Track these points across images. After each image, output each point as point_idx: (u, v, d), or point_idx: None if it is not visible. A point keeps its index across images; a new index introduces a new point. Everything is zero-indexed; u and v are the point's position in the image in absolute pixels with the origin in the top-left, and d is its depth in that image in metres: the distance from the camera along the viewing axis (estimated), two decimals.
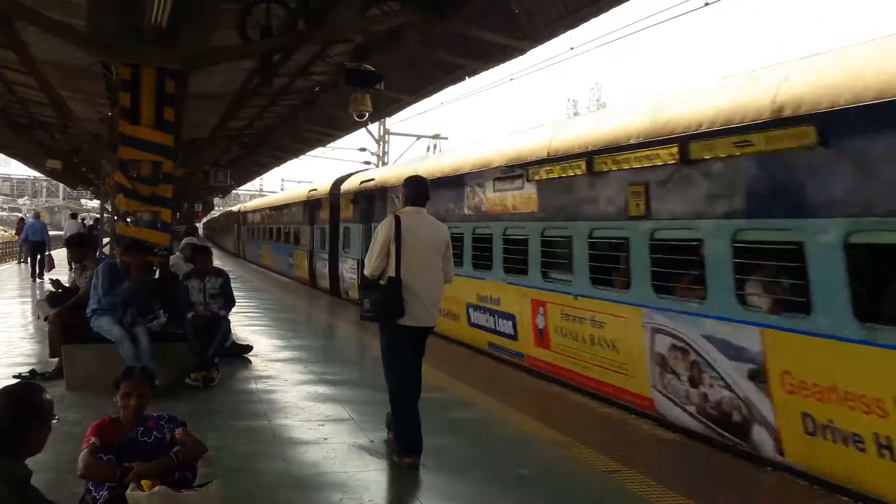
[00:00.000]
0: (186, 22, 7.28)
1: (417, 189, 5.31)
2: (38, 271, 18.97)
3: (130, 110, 7.57)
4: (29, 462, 2.64)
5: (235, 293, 8.50)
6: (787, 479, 4.81)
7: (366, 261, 5.22)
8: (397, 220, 5.08)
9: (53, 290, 8.82)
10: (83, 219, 31.92)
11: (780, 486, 4.71)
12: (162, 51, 7.40)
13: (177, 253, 10.03)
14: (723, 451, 5.49)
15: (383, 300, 5.01)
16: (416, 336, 5.16)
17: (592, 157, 7.52)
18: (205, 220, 60.86)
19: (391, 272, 5.00)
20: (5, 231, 53.56)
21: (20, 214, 49.09)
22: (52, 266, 16.40)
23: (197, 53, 7.71)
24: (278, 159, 26.20)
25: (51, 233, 21.20)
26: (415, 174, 5.61)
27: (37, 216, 24.68)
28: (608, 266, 7.56)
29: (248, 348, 8.97)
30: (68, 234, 14.22)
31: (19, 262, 26.40)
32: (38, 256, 19.04)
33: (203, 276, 8.07)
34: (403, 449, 5.00)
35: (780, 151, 5.38)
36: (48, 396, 2.74)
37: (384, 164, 32.68)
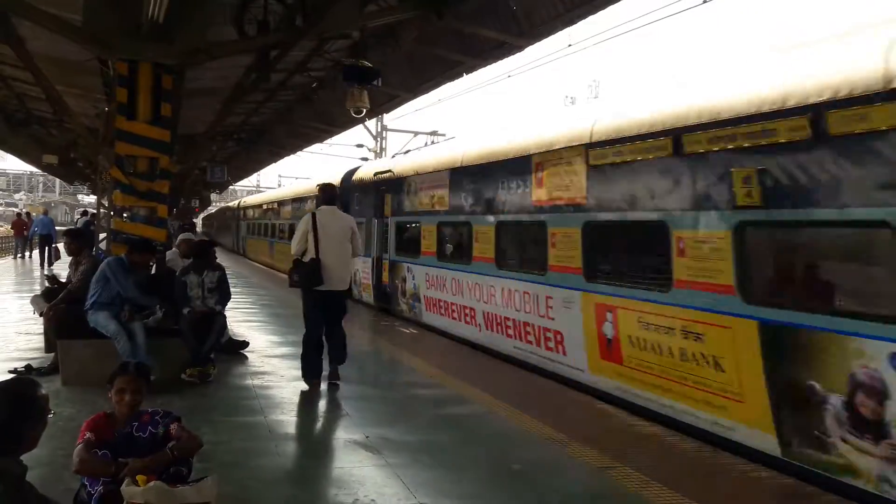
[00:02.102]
0: (183, 17, 7.26)
1: (328, 194, 7.44)
2: (46, 262, 21.25)
3: (127, 106, 7.55)
4: (24, 457, 2.64)
5: (231, 289, 8.49)
6: (782, 479, 4.83)
7: (292, 244, 7.27)
8: (314, 215, 7.10)
9: (49, 285, 8.81)
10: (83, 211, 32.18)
11: (774, 486, 4.73)
12: (159, 46, 7.39)
13: (173, 248, 10.01)
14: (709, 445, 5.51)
15: (308, 274, 6.91)
16: (328, 297, 7.01)
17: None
18: (202, 214, 62.13)
19: (312, 254, 6.90)
20: (1, 226, 53.39)
21: (17, 210, 48.95)
22: (57, 257, 19.27)
23: (194, 49, 7.69)
24: (275, 155, 26.18)
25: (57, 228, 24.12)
26: (327, 182, 7.97)
27: (45, 213, 29.24)
28: None
29: (245, 344, 8.97)
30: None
31: (15, 257, 26.37)
32: (46, 248, 21.86)
33: (201, 271, 8.06)
34: (308, 374, 6.99)
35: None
36: (43, 392, 2.73)
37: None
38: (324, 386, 7.09)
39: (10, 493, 2.43)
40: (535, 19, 8.71)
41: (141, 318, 6.99)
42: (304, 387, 7.11)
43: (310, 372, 7.02)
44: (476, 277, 9.63)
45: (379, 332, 11.07)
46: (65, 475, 3.85)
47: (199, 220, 60.41)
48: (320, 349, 7.08)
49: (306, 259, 6.97)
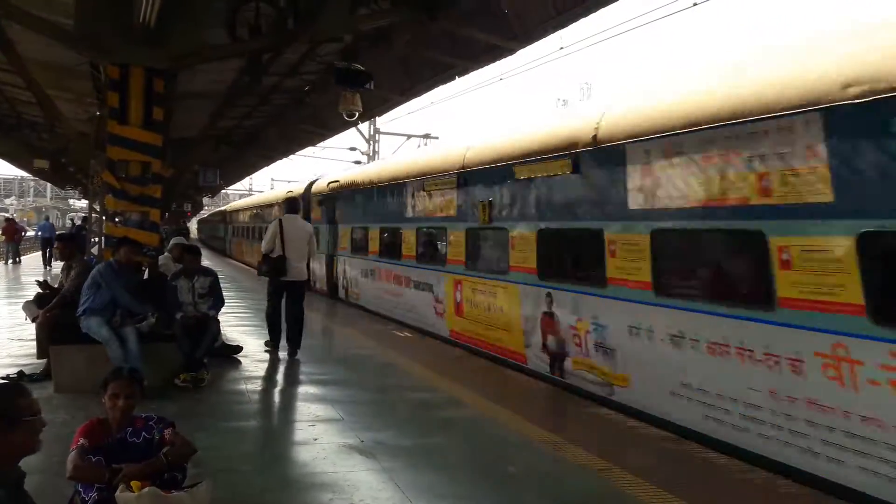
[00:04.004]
0: (175, 21, 7.24)
1: (291, 205, 9.58)
2: (48, 262, 23.71)
3: (119, 110, 7.51)
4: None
5: (224, 293, 8.46)
6: (776, 480, 4.85)
7: (263, 243, 9.01)
8: (280, 221, 9.01)
9: (41, 290, 8.76)
10: (73, 218, 32.32)
11: (769, 487, 4.75)
12: (150, 50, 7.36)
13: (165, 253, 9.97)
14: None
15: (274, 266, 8.76)
16: (290, 285, 8.89)
17: None
18: (196, 218, 62.99)
19: (279, 251, 8.74)
20: None
21: (6, 215, 48.72)
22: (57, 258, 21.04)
23: (186, 52, 7.67)
24: (268, 159, 26.12)
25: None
26: (290, 195, 11.15)
27: (47, 218, 33.28)
28: None
29: (238, 349, 8.94)
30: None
31: (7, 263, 26.23)
32: (48, 250, 23.82)
33: (191, 276, 8.03)
34: (273, 346, 9.03)
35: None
36: (27, 398, 2.66)
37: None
38: (317, 388, 7.09)
39: (10, 498, 2.41)
40: (527, 22, 8.74)
41: (133, 323, 6.96)
42: (299, 390, 7.11)
43: (275, 342, 8.99)
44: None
45: (371, 334, 11.06)
46: (59, 482, 3.82)
47: (193, 224, 60.90)
48: (279, 319, 8.96)
49: (274, 255, 8.74)
